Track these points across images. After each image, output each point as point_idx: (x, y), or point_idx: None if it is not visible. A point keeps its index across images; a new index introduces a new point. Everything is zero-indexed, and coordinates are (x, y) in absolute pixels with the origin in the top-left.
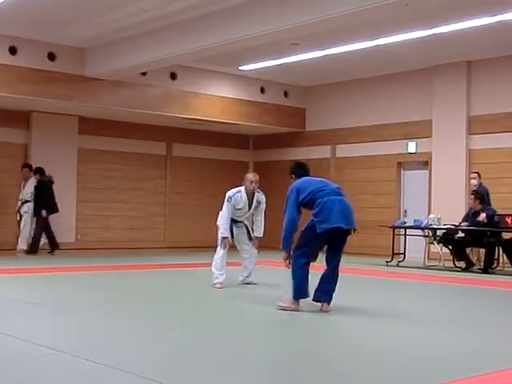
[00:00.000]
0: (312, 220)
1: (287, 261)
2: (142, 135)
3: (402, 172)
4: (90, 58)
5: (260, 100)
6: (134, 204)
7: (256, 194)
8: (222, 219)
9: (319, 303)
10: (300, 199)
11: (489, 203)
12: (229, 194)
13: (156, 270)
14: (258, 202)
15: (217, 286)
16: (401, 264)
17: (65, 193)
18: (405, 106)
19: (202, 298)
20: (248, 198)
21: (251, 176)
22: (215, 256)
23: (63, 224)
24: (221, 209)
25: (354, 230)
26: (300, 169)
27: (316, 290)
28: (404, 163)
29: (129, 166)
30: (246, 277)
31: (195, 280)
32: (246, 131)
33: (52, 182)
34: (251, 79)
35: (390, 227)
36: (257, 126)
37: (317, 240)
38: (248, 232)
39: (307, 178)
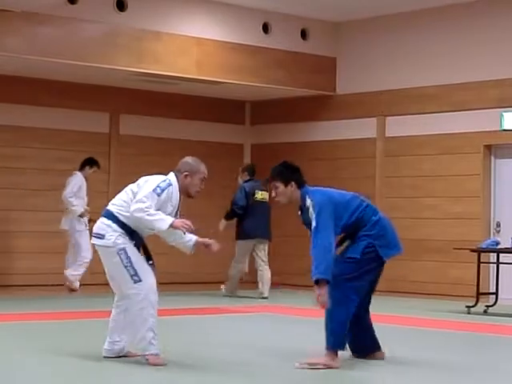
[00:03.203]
0: (369, 244)
1: (324, 296)
2: (69, 102)
3: (493, 161)
4: None
5: (262, 44)
6: (57, 213)
7: None
8: (150, 213)
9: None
10: (343, 222)
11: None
12: (158, 182)
13: (81, 321)
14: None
15: (156, 361)
16: (491, 310)
17: None
18: (497, 53)
19: None
20: (179, 201)
21: (203, 168)
22: (140, 301)
23: None
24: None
25: None
26: (299, 174)
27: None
28: (496, 147)
29: (48, 151)
30: (117, 348)
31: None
32: (240, 95)
33: None
34: (248, 10)
35: (474, 251)
36: (257, 88)
37: (373, 272)
38: (150, 261)
39: (323, 188)
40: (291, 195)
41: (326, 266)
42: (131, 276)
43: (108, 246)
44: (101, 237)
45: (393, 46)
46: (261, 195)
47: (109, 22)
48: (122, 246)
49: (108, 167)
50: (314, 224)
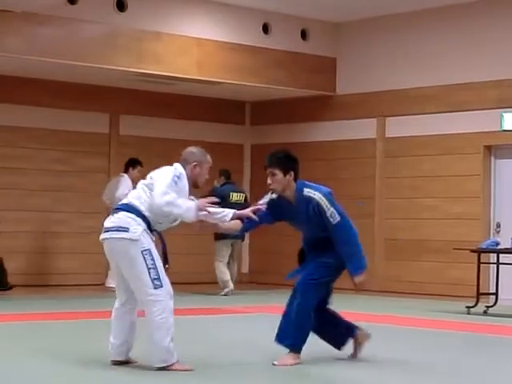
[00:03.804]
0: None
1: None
2: (69, 102)
3: (493, 161)
4: None
5: (262, 45)
6: (56, 214)
7: None
8: (176, 204)
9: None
10: None
11: None
12: (172, 171)
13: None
14: None
15: (184, 367)
16: (491, 311)
17: None
18: (497, 53)
19: None
20: (188, 193)
21: (209, 157)
22: (158, 311)
23: None
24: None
25: None
26: (298, 166)
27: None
28: (496, 148)
29: (47, 151)
30: (126, 349)
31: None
32: (240, 96)
33: None
34: (248, 10)
35: (474, 251)
36: (257, 88)
37: (338, 275)
38: (164, 252)
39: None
40: (287, 185)
41: (364, 256)
42: (153, 280)
43: (133, 240)
44: (125, 230)
45: (393, 46)
46: (236, 197)
47: (109, 23)
48: (147, 247)
49: (108, 168)
50: (337, 218)
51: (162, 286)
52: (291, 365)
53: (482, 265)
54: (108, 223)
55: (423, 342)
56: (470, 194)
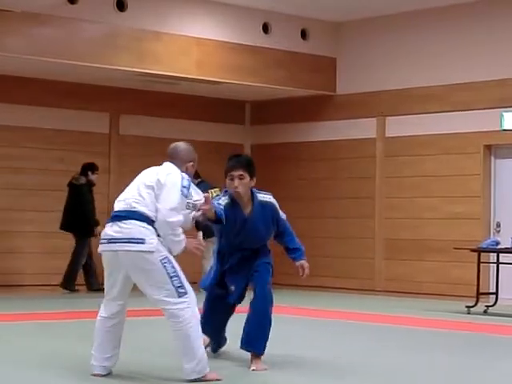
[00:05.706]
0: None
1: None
2: (70, 102)
3: (493, 161)
4: None
5: (262, 44)
6: (57, 213)
7: None
8: (177, 233)
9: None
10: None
11: None
12: (180, 181)
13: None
14: None
15: (213, 376)
16: (491, 310)
17: None
18: (497, 53)
19: None
20: None
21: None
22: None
23: None
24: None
25: None
26: None
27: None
28: (496, 147)
29: (48, 151)
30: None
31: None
32: (240, 95)
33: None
34: (247, 10)
35: (474, 251)
36: (257, 88)
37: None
38: None
39: None
40: (248, 189)
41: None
42: (176, 288)
43: (151, 252)
44: (140, 241)
45: (393, 45)
46: (214, 193)
47: (109, 22)
48: (165, 254)
49: (108, 168)
50: (284, 214)
51: (186, 293)
52: (265, 369)
53: (482, 264)
54: (113, 232)
55: (423, 342)
56: (470, 193)
